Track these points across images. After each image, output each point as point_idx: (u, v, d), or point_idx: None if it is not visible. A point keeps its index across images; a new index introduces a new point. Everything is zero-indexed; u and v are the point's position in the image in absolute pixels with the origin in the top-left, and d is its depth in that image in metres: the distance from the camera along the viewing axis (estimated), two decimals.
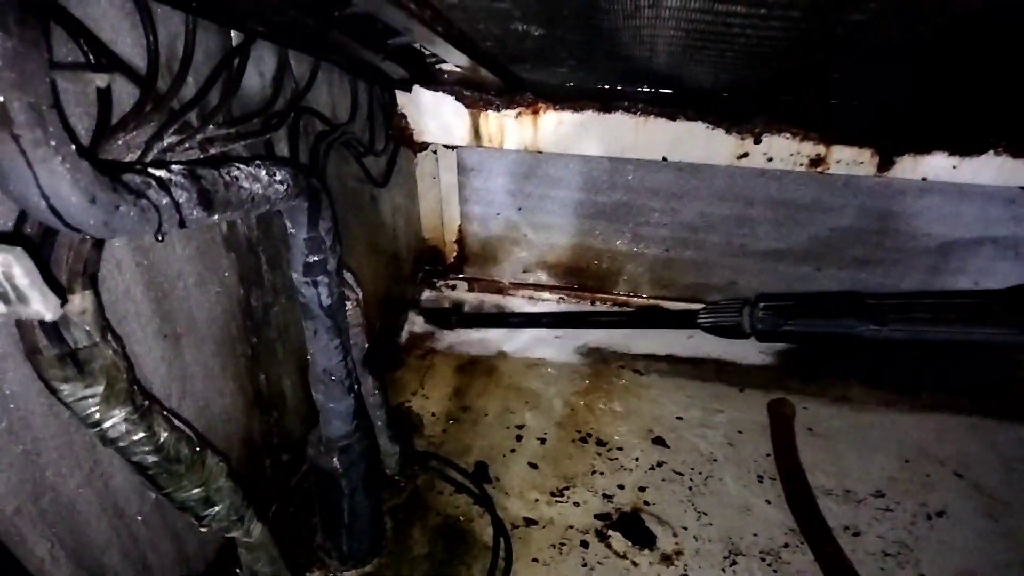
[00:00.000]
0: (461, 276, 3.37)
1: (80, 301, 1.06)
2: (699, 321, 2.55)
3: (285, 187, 1.33)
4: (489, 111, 2.47)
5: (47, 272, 0.91)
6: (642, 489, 2.31)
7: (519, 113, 2.45)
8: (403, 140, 2.61)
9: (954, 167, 2.24)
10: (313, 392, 1.76)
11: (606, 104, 2.37)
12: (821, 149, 2.30)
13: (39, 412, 1.15)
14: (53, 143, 0.79)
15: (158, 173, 1.01)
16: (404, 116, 2.54)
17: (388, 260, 2.85)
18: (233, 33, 1.51)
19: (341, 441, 1.80)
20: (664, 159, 2.45)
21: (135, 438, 1.20)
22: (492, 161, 3.02)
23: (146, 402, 1.23)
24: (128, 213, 0.92)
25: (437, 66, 2.36)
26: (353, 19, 1.57)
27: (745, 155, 2.37)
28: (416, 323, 3.16)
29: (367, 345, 2.02)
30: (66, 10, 1.06)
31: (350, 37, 1.67)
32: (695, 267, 3.12)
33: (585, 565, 2.04)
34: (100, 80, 1.03)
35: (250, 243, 1.74)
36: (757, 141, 2.33)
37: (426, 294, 3.34)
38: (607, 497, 2.28)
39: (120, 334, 1.24)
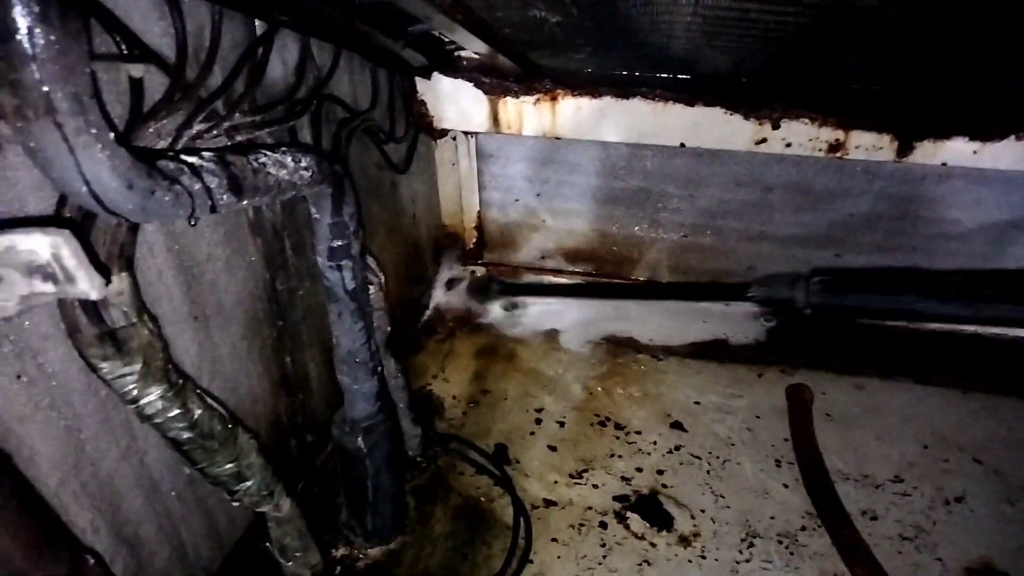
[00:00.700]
0: (480, 262, 3.40)
1: (118, 283, 1.11)
2: (750, 294, 2.56)
3: (310, 173, 1.36)
4: (508, 97, 2.49)
5: (91, 253, 0.95)
6: (660, 472, 2.34)
7: (537, 99, 2.46)
8: (423, 127, 2.64)
9: (975, 152, 2.21)
10: (337, 373, 1.81)
11: (624, 90, 2.38)
12: (840, 134, 2.29)
13: (79, 390, 1.20)
14: (94, 131, 0.83)
15: (190, 160, 1.05)
16: (424, 103, 2.57)
17: (409, 246, 2.89)
18: (257, 22, 1.55)
19: (365, 421, 1.85)
20: (682, 145, 2.45)
21: (171, 415, 1.25)
22: (511, 147, 3.03)
23: (181, 380, 1.28)
24: (163, 198, 0.96)
25: (456, 53, 2.39)
26: (374, 7, 1.59)
27: (763, 140, 2.37)
28: (436, 303, 3.19)
29: (389, 329, 2.06)
30: (100, 3, 1.10)
31: (371, 25, 1.69)
32: (714, 253, 3.11)
33: (604, 545, 2.07)
34: (135, 70, 1.07)
35: (275, 228, 1.78)
36: (775, 127, 2.32)
37: (447, 274, 3.38)
38: (625, 479, 2.31)
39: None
